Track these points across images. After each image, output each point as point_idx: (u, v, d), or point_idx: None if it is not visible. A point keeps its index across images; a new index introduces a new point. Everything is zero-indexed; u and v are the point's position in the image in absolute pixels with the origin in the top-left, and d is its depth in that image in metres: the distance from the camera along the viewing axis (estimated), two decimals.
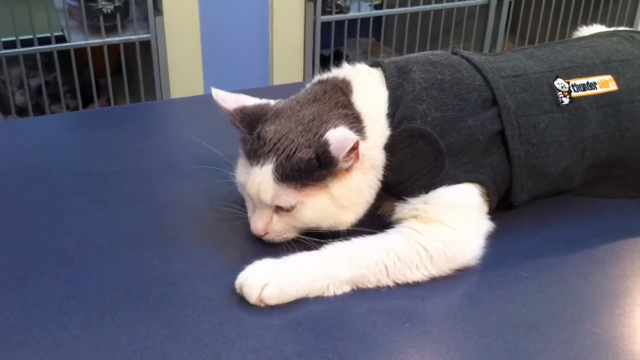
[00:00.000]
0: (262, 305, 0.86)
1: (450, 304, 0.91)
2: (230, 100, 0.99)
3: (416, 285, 0.91)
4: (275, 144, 0.92)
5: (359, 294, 0.89)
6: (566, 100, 1.02)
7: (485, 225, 0.97)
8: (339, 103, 0.96)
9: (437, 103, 0.97)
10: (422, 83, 0.98)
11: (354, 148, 0.90)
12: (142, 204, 1.08)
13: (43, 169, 1.17)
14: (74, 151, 1.25)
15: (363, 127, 0.95)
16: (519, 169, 0.99)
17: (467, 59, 1.04)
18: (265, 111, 0.97)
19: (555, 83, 1.02)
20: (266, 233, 0.95)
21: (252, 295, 0.85)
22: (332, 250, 0.90)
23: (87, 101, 2.31)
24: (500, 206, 1.02)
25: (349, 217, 0.94)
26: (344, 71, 1.02)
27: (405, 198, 0.97)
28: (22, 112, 2.30)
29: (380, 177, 0.96)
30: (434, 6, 2.46)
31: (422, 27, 2.47)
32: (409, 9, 2.44)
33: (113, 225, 1.02)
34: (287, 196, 0.91)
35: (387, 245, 0.91)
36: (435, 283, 0.91)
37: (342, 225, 0.94)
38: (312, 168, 0.90)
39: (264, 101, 1.01)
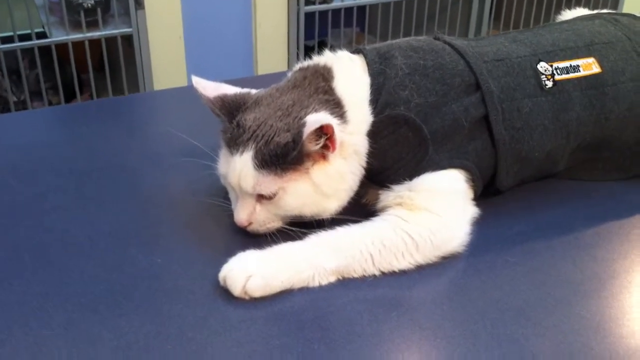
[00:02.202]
0: (247, 297, 0.85)
1: (437, 292, 0.90)
2: (210, 88, 0.98)
3: (402, 273, 0.90)
4: (254, 131, 0.91)
5: (344, 283, 0.88)
6: (550, 84, 1.01)
7: (470, 211, 0.97)
8: (320, 89, 0.95)
9: (420, 89, 0.96)
10: (404, 69, 0.97)
11: (327, 132, 0.88)
12: (125, 199, 1.06)
13: (24, 166, 1.15)
14: (55, 147, 1.23)
15: (344, 113, 0.94)
16: (504, 154, 0.98)
17: (449, 44, 1.03)
18: (246, 100, 0.96)
19: (539, 66, 1.02)
20: (250, 223, 0.94)
21: (236, 288, 0.84)
22: (317, 240, 0.89)
23: (70, 97, 2.29)
24: (486, 192, 1.01)
25: (332, 204, 0.93)
26: (325, 58, 1.01)
27: (390, 185, 0.95)
28: (3, 109, 2.28)
29: (364, 164, 0.95)
30: None
31: (406, 15, 2.46)
32: None
33: (95, 222, 1.01)
34: (268, 183, 0.90)
35: (372, 233, 0.90)
36: (421, 271, 0.90)
37: (326, 213, 0.93)
38: (290, 152, 0.89)
39: (244, 90, 1.00)
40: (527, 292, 0.88)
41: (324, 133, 0.89)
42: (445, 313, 0.85)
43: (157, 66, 2.21)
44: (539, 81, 1.01)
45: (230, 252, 0.88)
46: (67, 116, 1.44)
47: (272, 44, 2.38)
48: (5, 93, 2.16)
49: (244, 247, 0.89)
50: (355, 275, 0.89)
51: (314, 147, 0.89)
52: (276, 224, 0.94)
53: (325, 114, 0.90)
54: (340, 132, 0.90)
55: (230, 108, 0.95)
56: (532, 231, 0.99)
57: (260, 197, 0.92)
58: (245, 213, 0.93)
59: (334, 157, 0.91)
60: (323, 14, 2.38)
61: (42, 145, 1.24)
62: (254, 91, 0.99)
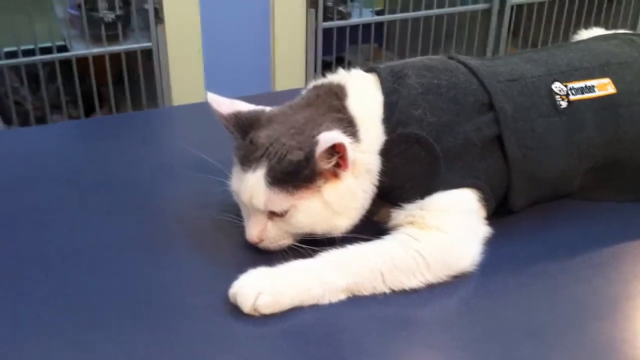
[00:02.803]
0: (257, 314, 0.85)
1: (448, 311, 0.90)
2: (225, 104, 0.98)
3: (413, 292, 0.89)
4: (267, 148, 0.91)
5: (354, 301, 0.88)
6: (564, 104, 1.00)
7: (482, 230, 0.96)
8: (333, 107, 0.95)
9: (433, 108, 0.96)
10: (417, 88, 0.97)
11: (339, 151, 0.89)
12: (136, 212, 1.07)
13: (38, 178, 1.16)
14: (70, 160, 1.24)
15: (357, 131, 0.94)
16: (517, 174, 0.98)
17: (463, 64, 1.03)
18: (259, 117, 0.97)
19: (553, 87, 1.01)
20: (261, 240, 0.94)
21: (246, 305, 0.84)
22: (327, 257, 0.89)
23: (89, 110, 2.31)
24: (498, 211, 1.00)
25: (343, 222, 0.93)
26: (339, 76, 1.02)
27: (401, 204, 0.95)
28: (24, 122, 2.31)
29: (376, 182, 0.95)
30: (435, 11, 2.46)
31: (424, 32, 2.46)
32: (410, 14, 2.43)
33: (106, 234, 1.01)
34: (280, 200, 0.90)
35: (383, 251, 0.90)
36: (432, 290, 0.90)
37: (337, 230, 0.93)
38: (302, 169, 0.89)
39: (259, 108, 1.00)
40: (539, 313, 0.87)
41: (337, 151, 0.89)
42: (455, 333, 0.85)
43: (176, 80, 2.23)
44: (554, 101, 1.00)
45: (240, 269, 0.88)
46: (85, 129, 1.46)
47: (289, 60, 2.39)
48: (24, 101, 2.18)
49: (255, 263, 0.89)
50: (366, 293, 0.88)
51: (326, 165, 0.90)
52: (287, 241, 0.94)
53: (338, 133, 0.91)
54: (352, 150, 0.91)
55: (244, 125, 0.96)
56: (544, 252, 0.98)
57: (272, 215, 0.92)
58: (256, 230, 0.93)
59: (346, 176, 0.92)
60: (341, 30, 2.38)
61: (58, 158, 1.25)
62: (267, 109, 1.00)
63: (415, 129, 0.94)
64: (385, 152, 0.95)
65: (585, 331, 0.85)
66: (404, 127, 0.95)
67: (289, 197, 0.90)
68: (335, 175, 0.91)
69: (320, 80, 1.02)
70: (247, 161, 0.93)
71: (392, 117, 0.96)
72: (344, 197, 0.92)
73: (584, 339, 0.84)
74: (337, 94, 0.98)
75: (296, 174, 0.89)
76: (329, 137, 0.88)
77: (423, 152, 0.95)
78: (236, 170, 0.96)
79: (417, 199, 0.95)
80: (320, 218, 0.92)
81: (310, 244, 0.92)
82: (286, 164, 0.89)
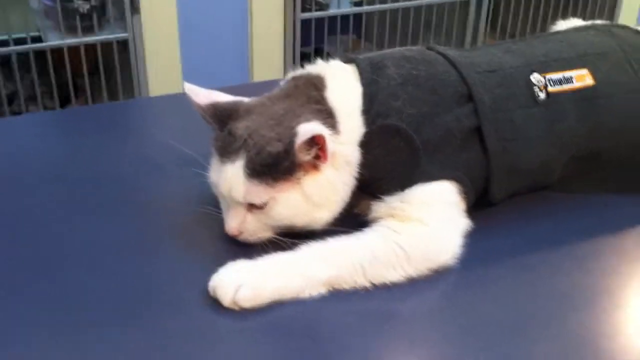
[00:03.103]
0: (237, 307, 0.84)
1: (429, 305, 0.89)
2: (202, 95, 0.97)
3: (394, 286, 0.89)
4: (245, 139, 0.90)
5: (335, 295, 0.87)
6: (542, 95, 1.00)
7: (463, 223, 0.96)
8: (312, 98, 0.94)
9: (413, 99, 0.95)
10: (396, 79, 0.96)
11: (318, 142, 0.88)
12: (116, 208, 1.05)
13: (16, 174, 1.14)
14: (48, 155, 1.22)
15: (336, 123, 0.93)
16: (496, 165, 0.98)
17: (442, 54, 1.02)
18: (237, 108, 0.96)
19: (531, 78, 1.01)
20: (240, 233, 0.93)
21: (225, 298, 0.83)
22: (308, 250, 0.88)
23: (65, 101, 2.28)
24: (478, 204, 1.00)
25: (323, 215, 0.92)
26: (318, 67, 1.01)
27: (381, 196, 0.95)
28: None
29: (355, 174, 0.94)
30: (414, 2, 2.45)
31: (402, 23, 2.46)
32: (389, 5, 2.42)
33: (85, 230, 1.00)
34: (259, 192, 0.90)
35: (364, 244, 0.90)
36: (413, 284, 0.89)
37: (317, 223, 0.92)
38: (282, 161, 0.88)
39: (237, 98, 0.99)
40: (520, 306, 0.87)
41: (316, 143, 0.88)
42: (437, 326, 0.85)
43: (153, 71, 2.20)
44: (532, 93, 1.00)
45: (221, 261, 0.87)
46: (62, 122, 1.43)
47: (268, 51, 2.37)
48: None
49: (235, 256, 0.88)
50: (346, 287, 0.88)
51: (305, 157, 0.89)
52: (267, 233, 0.93)
53: (317, 124, 0.90)
54: (332, 142, 0.90)
55: (222, 116, 0.95)
56: (524, 244, 0.98)
57: (251, 207, 0.91)
58: (235, 222, 0.92)
59: (326, 167, 0.91)
60: (319, 21, 2.37)
61: (36, 152, 1.22)
62: (246, 99, 0.99)
63: (395, 121, 0.94)
64: (365, 144, 0.94)
65: (566, 324, 0.85)
66: (384, 119, 0.94)
67: (268, 189, 0.89)
68: (314, 167, 0.91)
69: (300, 71, 1.01)
70: (226, 153, 0.92)
71: (371, 108, 0.95)
72: (324, 189, 0.91)
73: (564, 332, 0.84)
74: (316, 85, 0.97)
75: (275, 165, 0.89)
76: (308, 128, 0.87)
77: (403, 144, 0.94)
78: (215, 162, 0.95)
79: (397, 191, 0.94)
80: (300, 210, 0.91)
81: (291, 237, 0.91)
82: (265, 156, 0.89)
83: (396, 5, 2.43)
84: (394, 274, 0.89)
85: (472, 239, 0.95)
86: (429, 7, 2.50)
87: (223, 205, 0.96)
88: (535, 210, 1.04)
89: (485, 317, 0.85)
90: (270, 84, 1.03)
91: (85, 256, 0.95)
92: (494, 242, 0.98)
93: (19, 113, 2.17)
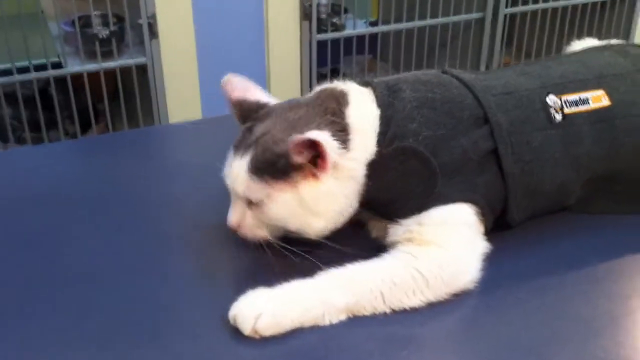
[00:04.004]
0: (257, 336, 0.84)
1: (448, 329, 0.89)
2: (238, 89, 1.02)
3: (413, 310, 0.89)
4: (258, 138, 0.94)
5: (354, 321, 0.87)
6: (559, 117, 1.01)
7: (481, 246, 0.96)
8: (330, 110, 0.96)
9: (429, 122, 0.96)
10: (412, 102, 0.97)
11: (318, 149, 0.89)
12: (135, 232, 1.07)
13: (40, 198, 1.16)
14: (71, 180, 1.24)
15: (348, 139, 0.94)
16: (514, 187, 0.98)
17: (457, 78, 1.03)
18: (261, 108, 1.00)
19: (547, 99, 1.01)
20: (239, 227, 0.96)
21: (246, 327, 0.84)
22: (326, 277, 0.89)
23: (86, 126, 2.31)
24: (496, 226, 1.00)
25: (318, 223, 0.94)
26: (344, 85, 1.02)
27: (398, 219, 0.95)
28: (20, 139, 2.30)
29: (361, 191, 0.95)
30: (429, 22, 2.46)
31: (418, 42, 2.47)
32: (404, 25, 2.43)
33: (106, 255, 1.01)
34: (256, 189, 0.93)
35: (382, 271, 0.90)
36: (432, 308, 0.90)
37: (311, 230, 0.94)
38: (280, 161, 0.91)
39: (265, 99, 1.03)
40: (539, 329, 0.87)
41: (315, 149, 0.90)
42: (456, 351, 0.85)
43: (172, 95, 2.23)
44: (548, 114, 1.00)
45: (240, 288, 0.88)
46: (84, 149, 1.45)
47: (284, 72, 2.39)
48: (19, 119, 2.18)
49: (255, 282, 0.89)
50: (366, 313, 0.88)
51: (299, 158, 0.90)
52: (263, 232, 0.96)
53: (324, 133, 0.91)
54: (335, 154, 0.91)
55: (246, 113, 1.00)
56: (543, 266, 0.98)
57: (250, 203, 0.94)
58: (235, 216, 0.96)
59: (327, 177, 0.92)
60: (335, 41, 2.39)
61: (59, 177, 1.25)
62: (273, 101, 1.03)
63: (411, 143, 0.95)
64: (382, 166, 0.95)
65: (585, 347, 0.85)
66: (401, 141, 0.95)
67: (266, 186, 0.92)
68: (314, 175, 0.92)
69: (327, 85, 1.03)
70: (240, 148, 0.96)
71: (388, 130, 0.96)
72: (322, 198, 0.93)
73: (583, 355, 0.83)
74: (339, 99, 0.98)
75: (274, 164, 0.91)
76: (309, 133, 0.89)
77: (420, 166, 0.95)
78: (230, 155, 0.98)
79: (413, 214, 0.95)
80: (294, 213, 0.93)
81: (299, 246, 0.93)
82: (268, 155, 0.92)
83: (411, 24, 2.44)
84: (414, 300, 0.89)
85: (491, 262, 0.95)
86: (444, 26, 2.51)
87: (231, 199, 0.99)
88: (553, 232, 1.04)
89: (505, 341, 0.85)
90: None
91: (102, 279, 0.96)
92: (513, 265, 0.98)
93: (41, 139, 2.20)
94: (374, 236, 1.01)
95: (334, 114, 0.95)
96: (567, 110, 1.01)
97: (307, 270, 0.91)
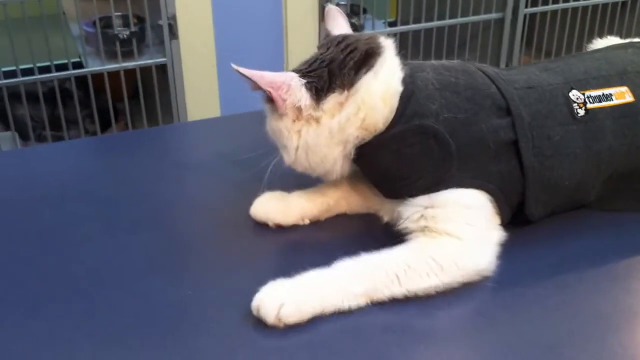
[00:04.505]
0: (281, 324, 0.85)
1: (466, 324, 0.89)
2: (335, 20, 1.08)
3: (431, 304, 0.89)
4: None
5: (371, 313, 0.88)
6: (581, 112, 1.00)
7: (497, 234, 0.96)
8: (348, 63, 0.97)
9: (450, 104, 0.96)
10: (435, 84, 0.97)
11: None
12: (154, 229, 1.07)
13: (58, 196, 1.17)
14: (88, 178, 1.25)
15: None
16: (533, 181, 0.97)
17: (480, 70, 1.03)
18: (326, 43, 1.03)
19: (570, 94, 1.01)
20: None
21: (270, 316, 0.85)
22: (343, 265, 0.91)
23: (106, 125, 2.33)
24: (516, 221, 1.00)
25: (285, 154, 1.00)
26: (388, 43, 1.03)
27: (406, 198, 0.96)
28: (40, 137, 2.33)
29: (349, 156, 0.98)
30: (448, 22, 2.45)
31: (437, 42, 2.46)
32: (423, 25, 2.43)
33: (124, 251, 1.02)
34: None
35: (397, 257, 0.92)
36: (450, 301, 0.90)
37: (285, 160, 1.01)
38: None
39: (339, 29, 1.06)
40: (558, 326, 0.86)
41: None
42: (474, 346, 0.84)
43: (191, 94, 2.24)
44: (571, 109, 1.00)
45: (259, 282, 0.88)
46: (103, 146, 1.47)
47: None
48: (40, 118, 2.20)
49: (274, 276, 0.89)
50: (384, 298, 0.89)
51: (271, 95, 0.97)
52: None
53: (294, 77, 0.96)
54: (300, 102, 0.95)
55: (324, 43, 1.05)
56: (562, 262, 0.97)
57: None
58: None
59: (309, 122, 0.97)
60: None
61: (76, 175, 1.26)
62: (345, 31, 1.07)
63: (431, 122, 0.94)
64: (399, 140, 0.95)
65: (605, 344, 0.84)
66: (420, 119, 0.95)
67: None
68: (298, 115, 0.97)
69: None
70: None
71: (407, 107, 0.96)
72: (280, 134, 0.99)
73: (603, 353, 0.83)
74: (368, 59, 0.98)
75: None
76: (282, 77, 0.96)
77: (437, 147, 0.94)
78: None
79: (423, 193, 0.95)
80: (276, 134, 1.00)
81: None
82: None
83: (430, 24, 2.43)
84: (429, 281, 0.90)
85: (509, 257, 0.95)
86: (464, 25, 2.50)
87: None
88: (572, 228, 1.04)
89: (523, 337, 0.85)
90: None
91: (121, 276, 0.97)
92: (531, 260, 0.97)
93: (61, 138, 2.22)
94: (386, 221, 1.02)
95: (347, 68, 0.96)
96: (589, 106, 1.01)
97: (323, 262, 0.91)
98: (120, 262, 1.00)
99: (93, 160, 1.36)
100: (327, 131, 0.96)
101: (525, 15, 2.54)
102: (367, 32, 1.05)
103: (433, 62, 1.04)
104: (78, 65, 2.15)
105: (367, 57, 0.97)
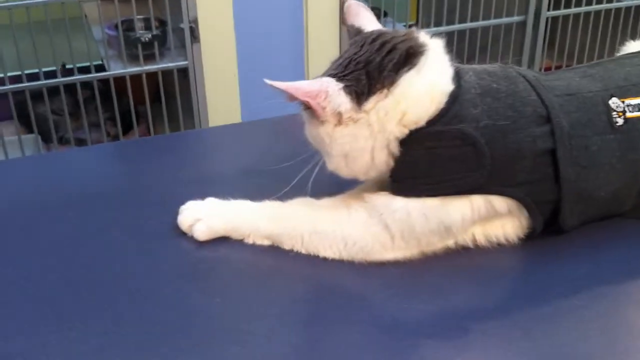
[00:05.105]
0: (190, 235, 1.00)
1: (502, 337, 0.88)
2: (359, 16, 1.05)
3: (466, 317, 0.88)
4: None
5: (405, 322, 0.87)
6: (620, 121, 0.98)
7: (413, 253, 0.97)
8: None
9: (491, 111, 0.94)
10: (477, 88, 0.95)
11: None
12: (181, 237, 1.06)
13: (82, 201, 1.16)
14: (112, 183, 1.25)
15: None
16: (568, 192, 0.96)
17: (520, 74, 1.01)
18: (358, 34, 1.02)
19: (610, 102, 0.99)
20: None
21: (183, 225, 1.02)
22: (264, 205, 1.01)
23: (127, 128, 2.33)
24: (550, 231, 0.99)
25: (328, 160, 0.99)
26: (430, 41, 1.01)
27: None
28: (62, 140, 2.34)
29: (390, 163, 0.96)
30: (469, 25, 2.44)
31: (458, 46, 2.44)
32: (444, 28, 2.42)
33: (151, 259, 1.01)
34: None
35: (312, 216, 0.99)
36: (484, 312, 0.89)
37: (329, 165, 1.00)
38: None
39: (369, 25, 1.04)
40: (596, 338, 0.85)
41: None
42: (509, 359, 0.83)
43: (212, 97, 2.24)
44: (610, 118, 0.98)
45: (287, 293, 0.88)
46: (126, 151, 1.46)
47: None
48: (63, 120, 2.21)
49: (303, 285, 0.89)
50: (286, 247, 0.98)
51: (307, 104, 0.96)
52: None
53: (325, 84, 0.94)
54: (341, 107, 0.93)
55: (353, 37, 1.03)
56: (598, 273, 0.96)
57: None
58: None
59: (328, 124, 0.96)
60: None
61: (100, 180, 1.26)
62: (375, 27, 1.04)
63: (471, 129, 0.92)
64: (437, 139, 0.93)
65: None
66: (461, 122, 0.93)
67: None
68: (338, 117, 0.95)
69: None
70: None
71: (451, 108, 0.93)
72: (321, 140, 0.98)
73: None
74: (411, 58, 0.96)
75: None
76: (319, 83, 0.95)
77: (473, 156, 0.92)
78: None
79: (435, 196, 0.94)
80: (313, 138, 1.00)
81: None
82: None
83: (452, 27, 2.42)
84: (329, 252, 0.97)
85: (544, 268, 0.94)
86: (485, 28, 2.48)
87: None
88: (608, 238, 1.02)
89: (560, 350, 0.84)
90: None
91: (148, 284, 0.96)
92: (566, 271, 0.96)
93: (83, 141, 2.22)
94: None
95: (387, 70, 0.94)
96: (629, 115, 0.99)
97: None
98: (145, 269, 0.99)
99: (117, 165, 1.36)
100: (367, 129, 0.94)
101: (547, 19, 2.53)
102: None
103: (474, 66, 1.02)
104: (100, 68, 2.16)
105: (408, 57, 0.95)
